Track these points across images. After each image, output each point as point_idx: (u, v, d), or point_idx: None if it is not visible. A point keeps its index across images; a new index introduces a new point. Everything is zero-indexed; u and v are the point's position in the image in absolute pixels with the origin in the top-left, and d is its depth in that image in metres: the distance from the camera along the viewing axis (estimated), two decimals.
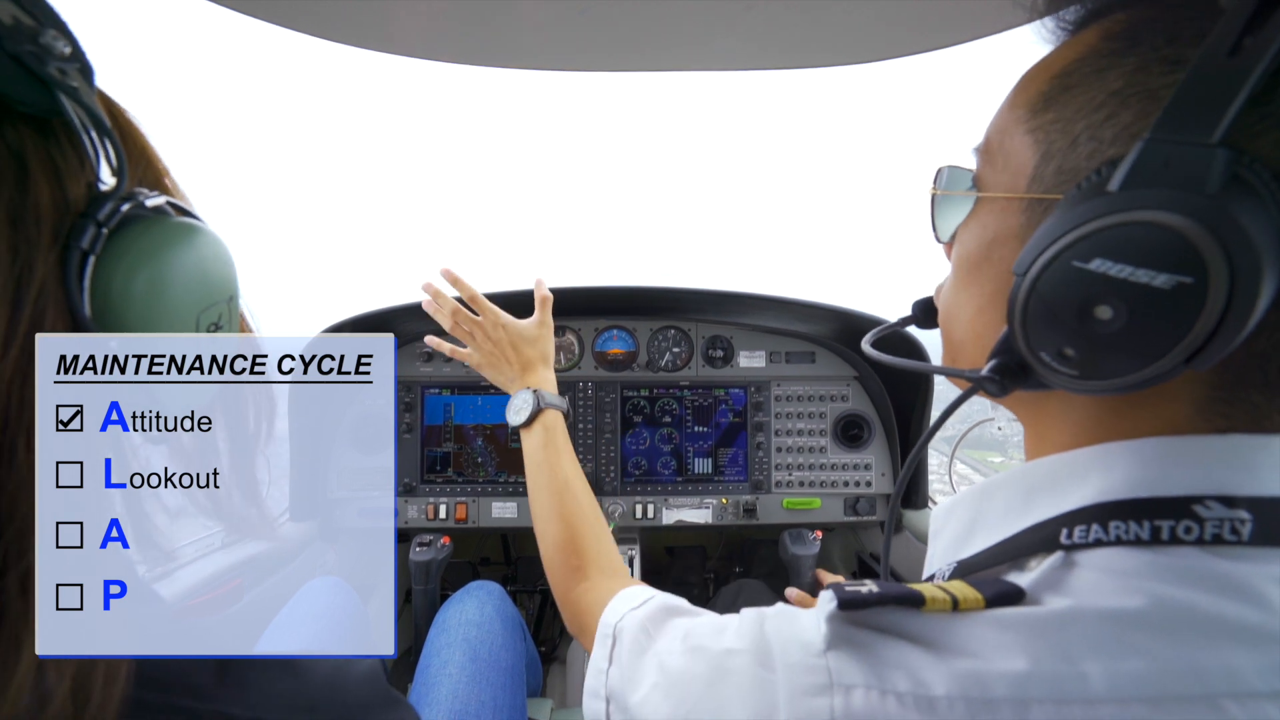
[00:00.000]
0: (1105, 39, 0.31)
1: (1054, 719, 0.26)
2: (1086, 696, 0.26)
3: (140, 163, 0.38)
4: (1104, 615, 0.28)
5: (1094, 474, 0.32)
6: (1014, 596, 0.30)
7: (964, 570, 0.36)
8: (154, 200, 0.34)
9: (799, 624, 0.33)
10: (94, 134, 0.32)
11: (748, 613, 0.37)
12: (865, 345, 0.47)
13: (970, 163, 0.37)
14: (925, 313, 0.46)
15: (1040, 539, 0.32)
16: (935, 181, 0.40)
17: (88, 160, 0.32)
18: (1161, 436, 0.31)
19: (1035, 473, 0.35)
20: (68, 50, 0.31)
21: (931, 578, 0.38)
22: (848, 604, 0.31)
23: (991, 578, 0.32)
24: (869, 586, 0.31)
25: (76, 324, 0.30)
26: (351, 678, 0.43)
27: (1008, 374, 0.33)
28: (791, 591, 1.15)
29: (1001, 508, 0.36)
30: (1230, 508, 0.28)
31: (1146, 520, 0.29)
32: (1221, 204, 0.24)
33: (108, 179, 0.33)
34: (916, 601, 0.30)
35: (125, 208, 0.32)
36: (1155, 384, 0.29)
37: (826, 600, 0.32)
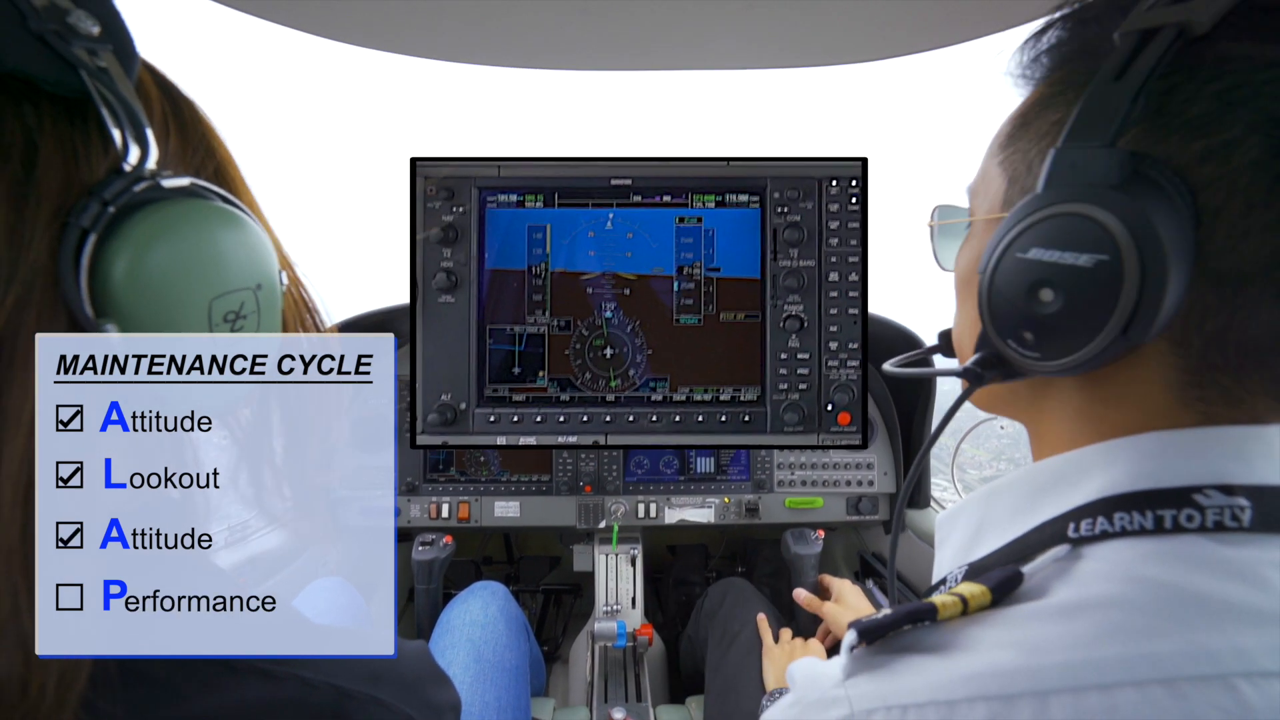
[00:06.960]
0: (1050, 85, 0.37)
1: (1073, 708, 0.27)
2: (1102, 682, 0.27)
3: (198, 151, 0.37)
4: (1111, 602, 0.29)
5: (1097, 470, 0.33)
6: (1014, 580, 0.31)
7: (975, 572, 0.37)
8: (174, 181, 0.33)
9: (822, 665, 0.36)
10: (123, 117, 0.31)
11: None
12: (887, 368, 0.50)
13: (961, 201, 0.44)
14: (947, 340, 0.50)
15: (1049, 536, 0.33)
16: (931, 216, 0.47)
17: (113, 144, 0.31)
18: (1160, 431, 0.32)
19: (1041, 473, 0.36)
20: (96, 30, 0.30)
21: (943, 582, 0.39)
22: (867, 633, 0.33)
23: (996, 570, 0.33)
24: (885, 612, 0.33)
25: (68, 303, 0.30)
26: (409, 652, 0.45)
27: (987, 364, 0.37)
28: (799, 593, 1.15)
29: (1008, 509, 0.37)
30: (1229, 495, 0.29)
31: (1149, 510, 0.30)
32: (1120, 191, 0.29)
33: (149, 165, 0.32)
34: (930, 614, 0.31)
35: (139, 187, 0.31)
36: (1108, 358, 0.31)
37: (849, 636, 0.34)
